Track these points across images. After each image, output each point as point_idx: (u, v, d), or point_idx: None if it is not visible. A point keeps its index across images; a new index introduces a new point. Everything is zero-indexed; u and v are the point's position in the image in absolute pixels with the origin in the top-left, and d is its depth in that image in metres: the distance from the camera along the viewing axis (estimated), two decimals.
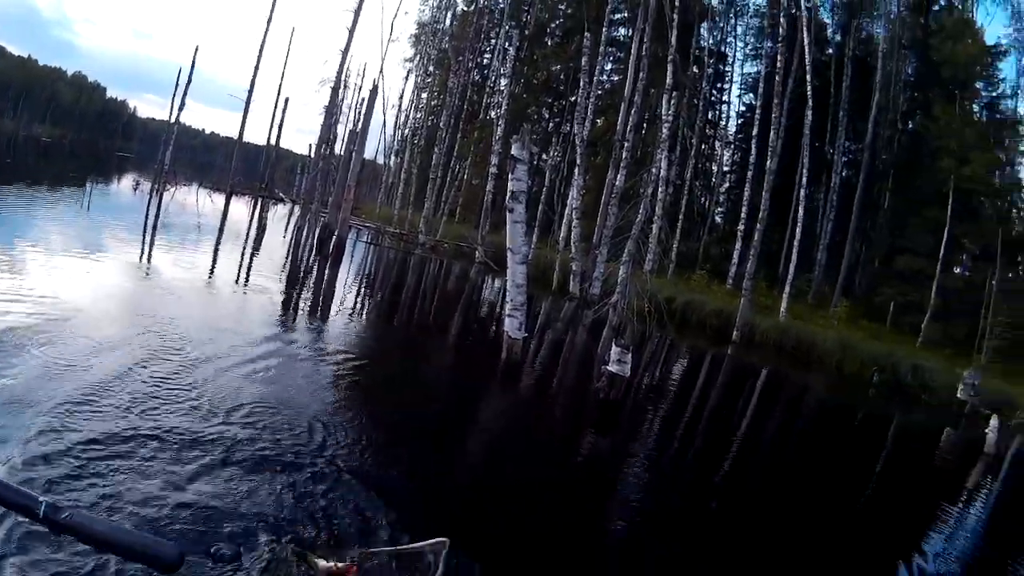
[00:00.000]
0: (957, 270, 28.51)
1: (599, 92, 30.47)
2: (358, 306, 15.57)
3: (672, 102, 23.15)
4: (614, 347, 10.12)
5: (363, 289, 18.38)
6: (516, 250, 11.16)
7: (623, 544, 5.92)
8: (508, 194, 11.16)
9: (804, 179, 26.30)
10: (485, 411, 9.33)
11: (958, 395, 17.23)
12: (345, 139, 32.13)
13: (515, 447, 7.97)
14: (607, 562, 5.50)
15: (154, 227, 19.66)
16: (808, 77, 26.43)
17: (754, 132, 30.69)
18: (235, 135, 41.65)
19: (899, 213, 29.70)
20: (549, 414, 9.99)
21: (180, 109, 35.87)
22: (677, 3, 25.62)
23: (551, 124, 40.10)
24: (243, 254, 19.26)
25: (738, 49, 37.39)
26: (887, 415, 16.78)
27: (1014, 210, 29.31)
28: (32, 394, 5.57)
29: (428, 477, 6.12)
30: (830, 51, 32.21)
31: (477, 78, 42.77)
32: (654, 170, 21.02)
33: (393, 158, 49.19)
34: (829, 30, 33.27)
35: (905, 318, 26.30)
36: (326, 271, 18.83)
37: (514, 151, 11.08)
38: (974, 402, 16.78)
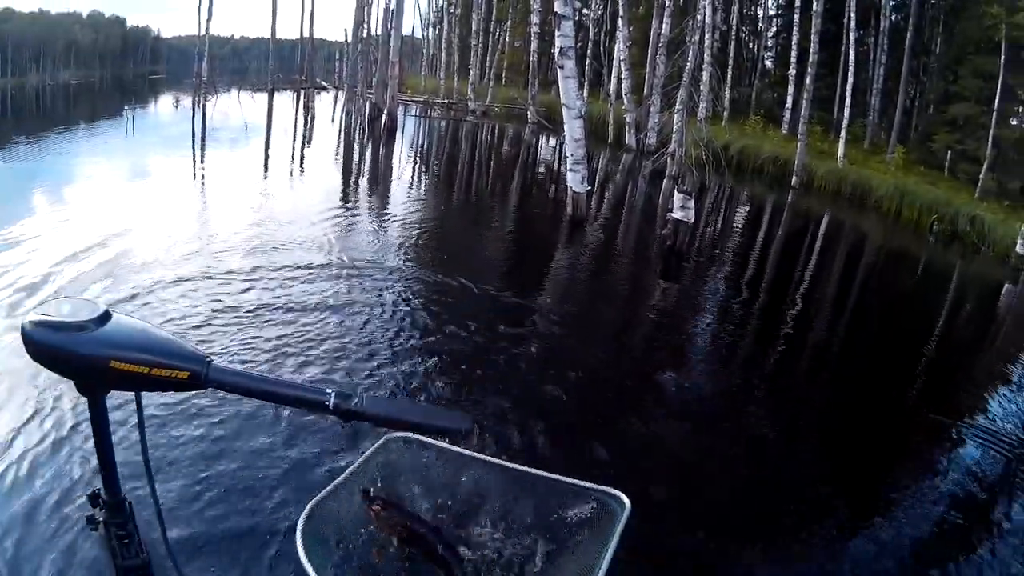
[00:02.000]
0: (1014, 122, 27.79)
1: None
2: (416, 178, 15.71)
3: None
4: (676, 194, 10.16)
5: (419, 161, 18.41)
6: (571, 105, 11.22)
7: (690, 389, 5.95)
8: (556, 51, 11.19)
9: (852, 23, 25.56)
10: (556, 265, 9.43)
11: (1017, 249, 17.02)
12: (380, 18, 31.90)
13: (588, 297, 8.12)
14: (671, 403, 5.59)
15: (202, 137, 19.99)
16: None
17: None
18: (265, 35, 41.58)
19: (950, 59, 28.86)
20: (618, 263, 10.11)
21: (208, 20, 35.88)
22: None
23: None
24: (295, 145, 19.44)
25: None
26: (947, 266, 16.59)
27: None
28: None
29: (503, 330, 6.25)
30: None
31: None
32: (699, 16, 20.57)
33: (431, 30, 48.72)
34: None
35: (961, 166, 25.80)
36: (381, 149, 18.95)
37: (557, 8, 11.05)
38: None
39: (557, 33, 11.13)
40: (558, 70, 11.29)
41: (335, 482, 2.45)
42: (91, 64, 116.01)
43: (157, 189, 12.00)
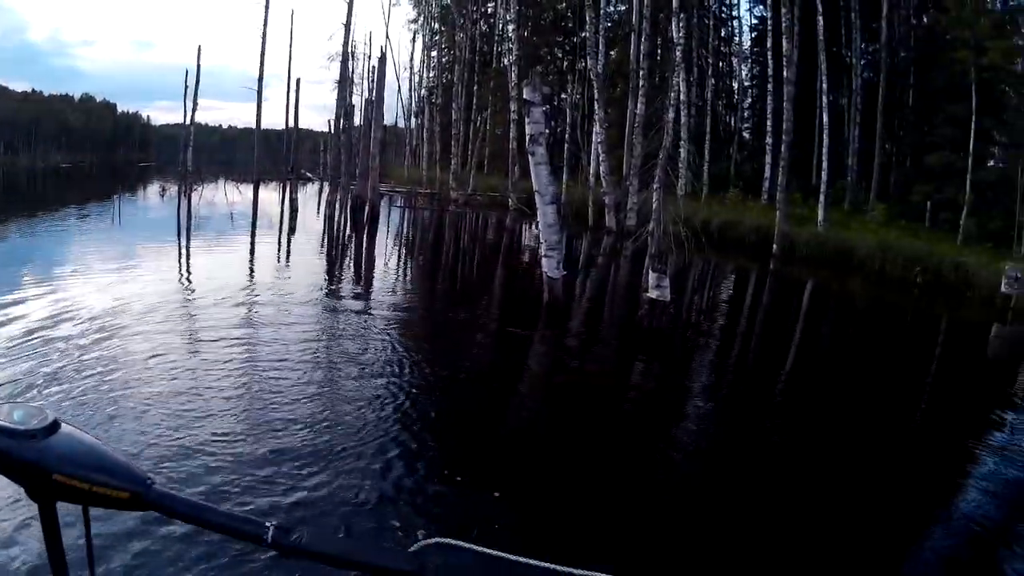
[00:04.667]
0: (991, 163, 28.10)
1: (608, 24, 30.40)
2: (398, 268, 15.84)
3: (681, 24, 22.92)
4: (651, 273, 10.27)
5: (402, 251, 18.58)
6: (543, 192, 11.26)
7: (674, 470, 6.01)
8: (528, 138, 11.30)
9: (824, 85, 25.97)
10: (531, 351, 9.41)
11: (1002, 289, 17.16)
12: (362, 110, 32.33)
13: (561, 381, 8.05)
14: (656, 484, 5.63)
15: (188, 228, 20.11)
16: None
17: (769, 44, 30.24)
18: (253, 125, 41.96)
19: (924, 110, 29.28)
20: (595, 344, 10.09)
21: (193, 110, 36.16)
22: None
23: (565, 63, 39.51)
24: (281, 237, 19.54)
25: None
26: (934, 314, 16.83)
27: None
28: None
29: (475, 418, 6.39)
30: None
31: (485, 28, 42.33)
32: (673, 95, 20.92)
33: (414, 120, 49.15)
34: None
35: (942, 215, 26.01)
36: (364, 239, 19.05)
37: (526, 95, 11.22)
38: (1018, 296, 16.72)
39: (528, 120, 11.31)
40: (529, 157, 11.37)
41: None
42: (82, 148, 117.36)
43: (137, 281, 11.80)
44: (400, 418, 5.98)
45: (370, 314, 9.93)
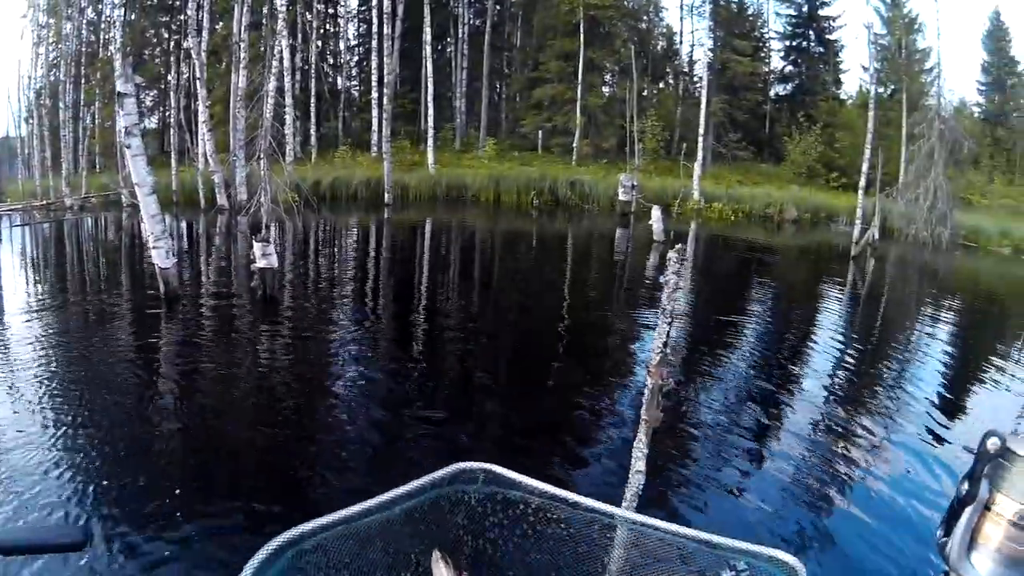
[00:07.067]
0: (606, 90, 31.45)
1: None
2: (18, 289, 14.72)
3: None
4: (255, 244, 10.83)
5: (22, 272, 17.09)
6: (143, 183, 10.98)
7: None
8: (123, 131, 11.10)
9: (428, 36, 27.53)
10: (163, 340, 9.46)
11: (620, 198, 19.57)
12: None
13: (180, 368, 8.22)
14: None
15: None
16: None
17: (374, 2, 31.09)
18: None
19: (532, 49, 31.98)
20: (216, 325, 10.26)
21: None
22: None
23: (172, 43, 38.31)
24: None
25: None
26: (559, 232, 18.69)
27: (655, 29, 32.59)
28: None
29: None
30: None
31: (93, 16, 39.27)
32: (276, 63, 21.04)
33: (24, 127, 44.50)
34: None
35: (555, 141, 28.76)
36: None
37: (119, 87, 10.77)
38: (637, 201, 19.15)
39: (121, 113, 11.04)
40: (126, 150, 11.22)
41: (347, 512, 1.97)
42: None
43: None
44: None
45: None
